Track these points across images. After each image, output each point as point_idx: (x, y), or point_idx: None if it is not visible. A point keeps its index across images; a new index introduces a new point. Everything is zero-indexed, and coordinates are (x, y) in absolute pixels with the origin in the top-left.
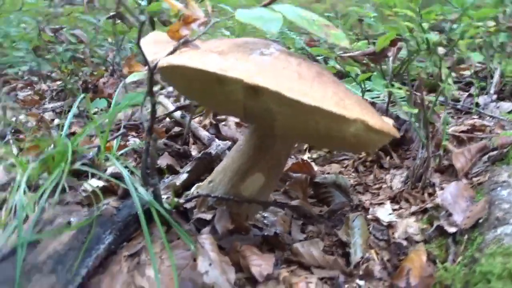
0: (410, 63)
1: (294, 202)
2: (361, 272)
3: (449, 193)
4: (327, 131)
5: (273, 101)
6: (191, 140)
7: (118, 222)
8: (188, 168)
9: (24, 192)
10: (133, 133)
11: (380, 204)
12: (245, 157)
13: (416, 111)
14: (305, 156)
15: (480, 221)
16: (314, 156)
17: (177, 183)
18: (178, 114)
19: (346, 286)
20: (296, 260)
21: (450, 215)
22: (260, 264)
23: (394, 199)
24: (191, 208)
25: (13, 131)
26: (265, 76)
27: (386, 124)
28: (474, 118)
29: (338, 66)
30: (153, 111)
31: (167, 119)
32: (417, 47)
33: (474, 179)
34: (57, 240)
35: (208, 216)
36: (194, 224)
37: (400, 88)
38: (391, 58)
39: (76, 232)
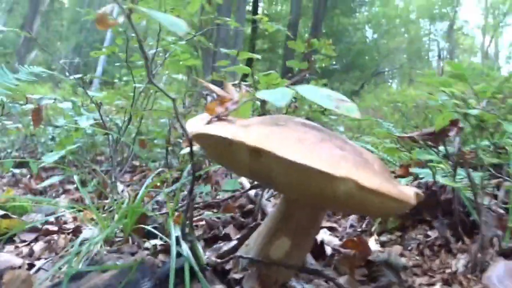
0: (467, 142)
1: (341, 278)
2: None
3: (495, 274)
4: (320, 191)
5: (270, 161)
6: (259, 216)
7: (159, 273)
8: (239, 235)
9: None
10: (213, 210)
11: (430, 285)
12: (274, 221)
13: (453, 184)
14: (372, 239)
15: None
16: (384, 239)
17: (224, 248)
18: (252, 192)
19: None
20: None
21: None
22: None
23: (447, 282)
24: (229, 269)
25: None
26: (265, 140)
27: (387, 186)
28: None
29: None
30: (193, 174)
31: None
32: (471, 126)
33: None
34: (99, 277)
35: (239, 276)
36: (227, 284)
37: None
38: (455, 138)
39: (118, 273)
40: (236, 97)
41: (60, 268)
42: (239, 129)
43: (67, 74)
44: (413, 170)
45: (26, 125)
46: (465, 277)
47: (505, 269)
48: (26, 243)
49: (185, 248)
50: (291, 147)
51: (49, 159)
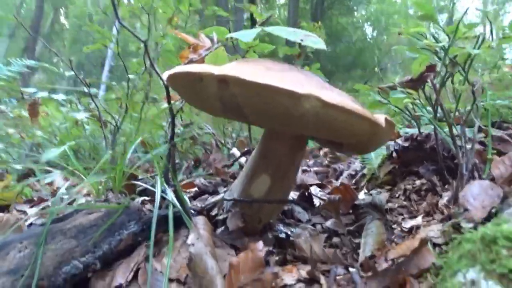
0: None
1: (328, 222)
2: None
3: (469, 192)
4: (286, 111)
5: (237, 89)
6: None
7: (145, 217)
8: (225, 189)
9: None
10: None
11: (412, 218)
12: (253, 162)
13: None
14: (362, 192)
15: (493, 210)
16: (374, 192)
17: (211, 200)
18: (243, 160)
19: (341, 276)
20: (300, 256)
21: (467, 211)
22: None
23: (429, 213)
24: (215, 214)
25: None
26: (232, 70)
27: (351, 104)
28: None
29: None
30: (173, 119)
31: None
32: (443, 63)
33: None
34: (85, 217)
35: (223, 217)
36: (213, 226)
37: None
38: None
39: (103, 214)
40: (208, 44)
41: (44, 208)
42: (208, 66)
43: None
44: (400, 130)
45: (27, 132)
46: (446, 207)
47: (479, 187)
48: (22, 211)
49: (169, 193)
50: (255, 73)
51: (49, 155)
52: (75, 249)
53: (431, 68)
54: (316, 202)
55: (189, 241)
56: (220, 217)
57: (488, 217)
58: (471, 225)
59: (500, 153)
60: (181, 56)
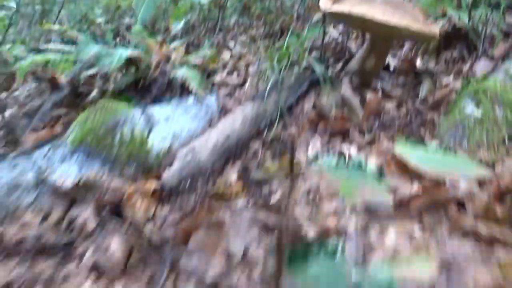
0: None
1: (400, 78)
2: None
3: (478, 66)
4: (393, 32)
5: (371, 22)
6: (347, 52)
7: (309, 80)
8: (340, 63)
9: None
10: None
11: (448, 75)
12: (365, 50)
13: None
14: (418, 58)
15: (486, 73)
16: (426, 57)
17: (337, 68)
18: (339, 38)
19: (410, 104)
20: (390, 95)
21: (475, 73)
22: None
23: (457, 73)
24: (341, 78)
25: None
26: (367, 11)
27: (426, 27)
28: None
29: None
30: (323, 35)
31: None
32: None
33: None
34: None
35: (348, 76)
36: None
37: None
38: None
39: (293, 82)
40: None
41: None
42: (352, 7)
43: None
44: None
45: None
46: (467, 72)
47: (483, 62)
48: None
49: (319, 67)
50: (380, 14)
51: (176, 28)
52: (288, 96)
53: None
54: (391, 66)
55: (342, 91)
56: (346, 77)
57: (484, 77)
58: (475, 78)
59: (508, 34)
60: None
